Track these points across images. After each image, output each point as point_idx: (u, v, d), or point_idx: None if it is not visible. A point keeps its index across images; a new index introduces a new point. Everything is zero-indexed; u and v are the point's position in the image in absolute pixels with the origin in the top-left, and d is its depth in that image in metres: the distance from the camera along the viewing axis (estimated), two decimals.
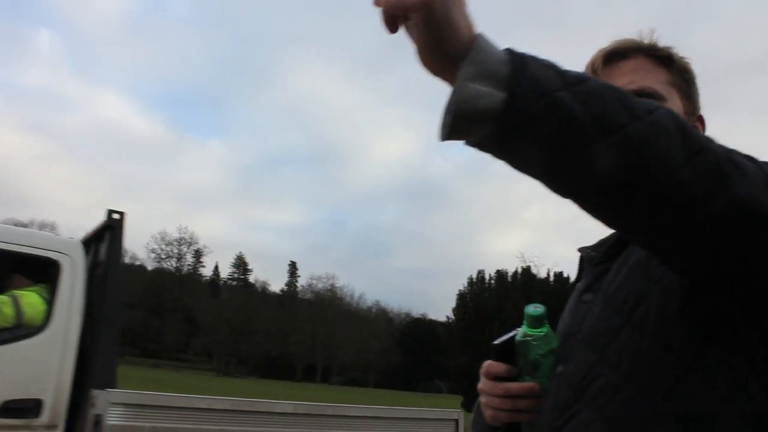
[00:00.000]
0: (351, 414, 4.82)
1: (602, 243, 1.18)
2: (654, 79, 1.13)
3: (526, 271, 36.19)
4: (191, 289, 75.02)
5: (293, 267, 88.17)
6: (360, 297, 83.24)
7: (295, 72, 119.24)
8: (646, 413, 0.90)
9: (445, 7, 0.72)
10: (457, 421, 5.37)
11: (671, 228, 0.79)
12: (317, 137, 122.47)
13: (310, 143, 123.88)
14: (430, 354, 68.05)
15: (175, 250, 78.11)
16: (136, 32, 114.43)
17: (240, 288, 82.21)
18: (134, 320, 64.81)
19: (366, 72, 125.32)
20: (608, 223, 0.85)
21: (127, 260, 73.73)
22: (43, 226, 66.61)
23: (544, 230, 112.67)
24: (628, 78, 1.13)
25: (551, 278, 35.27)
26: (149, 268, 77.90)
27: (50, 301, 4.09)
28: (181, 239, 78.30)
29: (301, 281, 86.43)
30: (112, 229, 4.44)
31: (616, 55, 1.17)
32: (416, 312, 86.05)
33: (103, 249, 4.43)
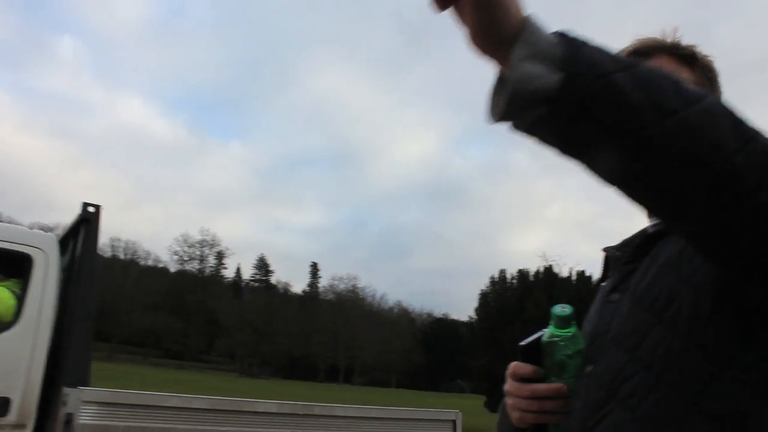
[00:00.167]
0: (340, 414, 4.65)
1: (627, 243, 1.16)
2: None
3: (548, 270, 35.68)
4: (214, 291, 75.52)
5: (315, 268, 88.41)
6: (382, 297, 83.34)
7: (314, 73, 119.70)
8: (680, 412, 0.90)
9: None
10: (454, 422, 5.19)
11: (722, 217, 0.78)
12: (338, 138, 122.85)
13: (330, 144, 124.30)
14: (452, 354, 67.70)
15: (198, 252, 78.85)
16: (157, 37, 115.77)
17: (262, 289, 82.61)
18: (157, 322, 65.35)
19: (385, 73, 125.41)
20: (656, 210, 0.85)
21: (150, 262, 74.58)
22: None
23: (566, 229, 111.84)
24: None
25: (573, 277, 34.66)
26: (172, 270, 78.70)
27: (21, 297, 3.95)
28: (203, 241, 79.01)
29: (323, 282, 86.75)
30: (87, 222, 4.32)
31: (638, 55, 1.15)
32: (438, 312, 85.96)
33: (79, 243, 4.29)
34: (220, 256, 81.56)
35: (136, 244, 75.07)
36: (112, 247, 72.64)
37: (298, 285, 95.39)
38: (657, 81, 0.75)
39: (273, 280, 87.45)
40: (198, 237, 79.82)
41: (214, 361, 74.56)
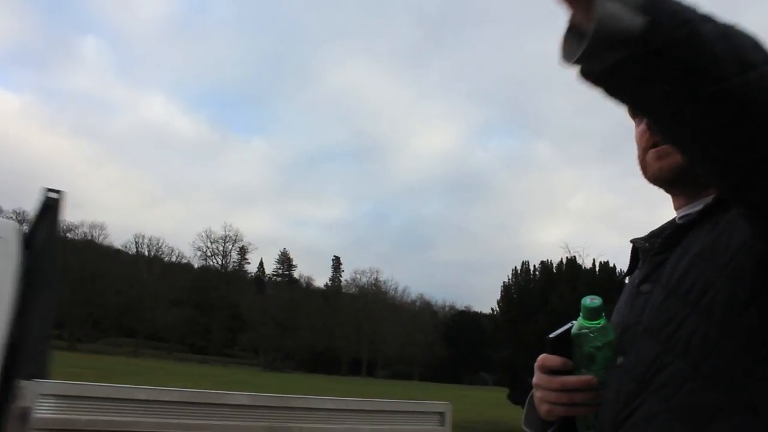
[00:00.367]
0: (318, 407, 4.45)
1: (656, 234, 1.15)
2: None
3: (571, 261, 35.31)
4: (237, 286, 76.04)
5: (337, 262, 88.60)
6: (404, 291, 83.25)
7: (335, 68, 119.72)
8: (716, 402, 0.89)
9: None
10: (442, 414, 4.96)
11: None
12: (359, 132, 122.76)
13: (351, 138, 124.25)
14: (475, 346, 67.45)
15: (221, 248, 79.45)
16: (178, 34, 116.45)
17: (285, 284, 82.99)
18: (181, 318, 65.98)
19: (405, 66, 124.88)
20: (723, 173, 0.82)
21: (173, 258, 75.30)
22: (93, 227, 68.20)
23: (589, 220, 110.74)
24: None
25: (597, 268, 34.31)
26: (195, 266, 79.40)
27: None
28: (226, 237, 79.56)
29: (345, 276, 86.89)
30: (49, 209, 4.13)
31: None
32: (460, 305, 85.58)
33: (42, 231, 4.13)
34: (243, 251, 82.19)
35: (160, 241, 75.86)
36: (137, 243, 73.55)
37: (321, 279, 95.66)
38: (737, 34, 0.74)
39: (296, 274, 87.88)
40: (221, 233, 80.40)
41: (238, 355, 75.14)
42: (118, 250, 71.99)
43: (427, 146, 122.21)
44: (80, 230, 69.60)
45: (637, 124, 1.14)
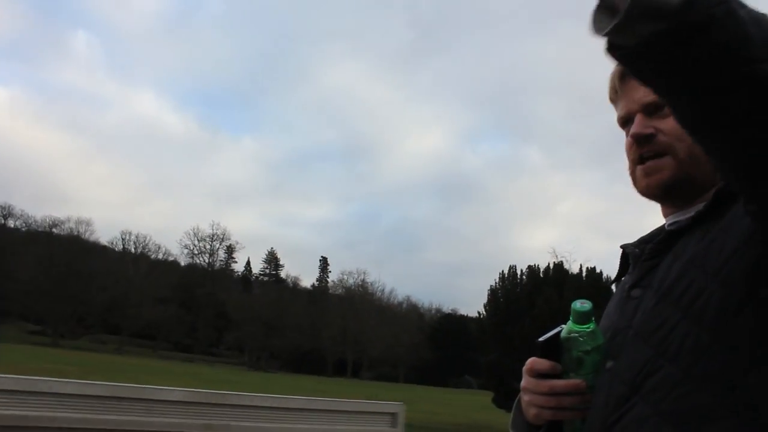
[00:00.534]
0: (257, 404, 4.29)
1: (646, 240, 1.16)
2: None
3: (559, 266, 35.46)
4: (223, 285, 75.73)
5: (324, 262, 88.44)
6: (391, 292, 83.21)
7: (326, 68, 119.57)
8: (706, 406, 0.89)
9: None
10: (394, 414, 4.82)
11: None
12: (349, 133, 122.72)
13: (342, 139, 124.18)
14: (460, 349, 67.59)
15: (208, 246, 79.00)
16: (169, 31, 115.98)
17: (271, 283, 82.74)
18: (167, 315, 65.62)
19: (398, 67, 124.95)
20: (740, 159, 0.82)
21: (160, 256, 74.89)
22: (79, 222, 67.75)
23: (576, 226, 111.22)
24: (645, 89, 1.07)
25: (584, 274, 34.45)
26: (182, 263, 78.98)
27: None
28: (213, 235, 79.14)
29: (332, 276, 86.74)
30: None
31: None
32: (447, 307, 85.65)
33: None
34: (230, 249, 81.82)
35: (147, 238, 75.41)
36: (123, 240, 73.10)
37: (308, 279, 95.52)
38: (766, 20, 0.75)
39: (282, 274, 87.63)
40: (208, 231, 79.93)
41: (223, 354, 74.85)
42: (104, 247, 71.57)
43: (417, 148, 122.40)
44: (66, 225, 69.16)
45: (627, 134, 1.14)
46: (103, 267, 64.02)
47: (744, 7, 0.74)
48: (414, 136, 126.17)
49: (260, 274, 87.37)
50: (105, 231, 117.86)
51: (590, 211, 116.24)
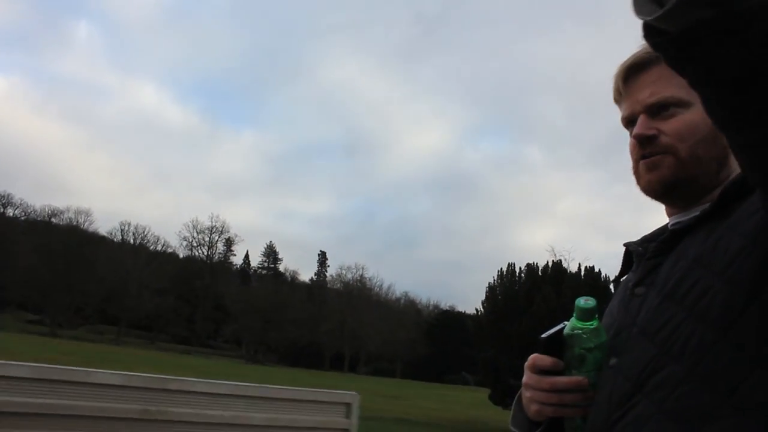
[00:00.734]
0: (203, 390, 4.05)
1: (649, 239, 1.16)
2: (677, 85, 1.07)
3: (557, 265, 35.49)
4: (222, 278, 75.74)
5: (323, 257, 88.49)
6: (389, 288, 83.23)
7: (328, 63, 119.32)
8: (709, 405, 0.89)
9: None
10: (348, 405, 4.61)
11: None
12: (350, 128, 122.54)
13: (342, 134, 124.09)
14: (457, 346, 67.64)
15: (207, 239, 78.94)
16: (171, 23, 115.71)
17: (270, 277, 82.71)
18: (165, 307, 65.66)
19: (400, 63, 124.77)
20: None
21: (159, 248, 74.90)
22: (78, 212, 67.72)
23: (575, 224, 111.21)
24: (649, 90, 1.12)
25: (582, 273, 34.48)
26: (181, 255, 78.98)
27: None
28: (212, 227, 79.10)
29: (331, 271, 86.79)
30: None
31: (635, 69, 1.15)
32: (445, 304, 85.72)
33: None
34: (229, 242, 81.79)
35: (146, 229, 75.38)
36: (122, 231, 73.08)
37: (306, 273, 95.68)
38: None
39: (281, 267, 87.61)
40: (207, 223, 80.00)
41: (221, 347, 74.91)
42: (103, 237, 71.50)
43: (417, 144, 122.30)
44: (65, 215, 69.10)
45: (630, 135, 1.16)
46: (102, 257, 63.98)
47: None
48: (414, 133, 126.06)
49: (259, 268, 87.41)
50: (104, 221, 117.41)
51: (589, 211, 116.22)
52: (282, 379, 32.63)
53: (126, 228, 73.29)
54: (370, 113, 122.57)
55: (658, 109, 1.11)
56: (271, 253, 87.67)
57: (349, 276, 79.47)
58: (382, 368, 72.19)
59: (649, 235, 1.18)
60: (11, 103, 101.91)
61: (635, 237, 1.21)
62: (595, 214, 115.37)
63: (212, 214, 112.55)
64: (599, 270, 30.43)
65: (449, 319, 76.40)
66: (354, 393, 4.70)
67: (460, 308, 79.03)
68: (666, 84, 1.10)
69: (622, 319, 1.07)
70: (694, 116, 1.08)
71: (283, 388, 4.64)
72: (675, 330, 0.96)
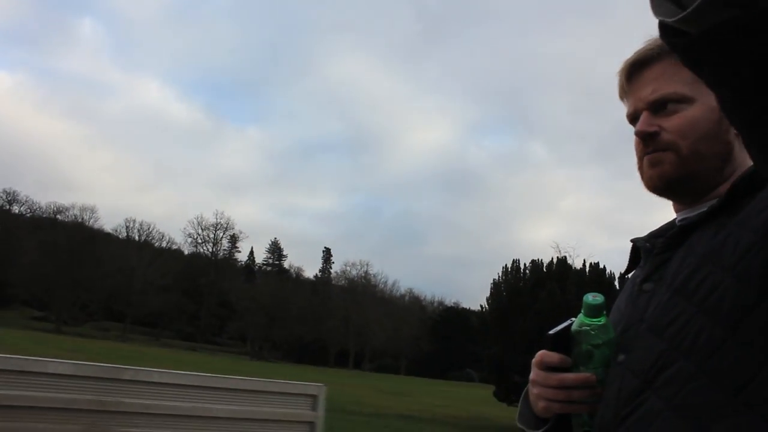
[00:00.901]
0: (157, 380, 3.91)
1: (657, 234, 1.16)
2: (679, 81, 1.10)
3: (562, 261, 35.39)
4: (226, 274, 75.88)
5: (327, 253, 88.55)
6: (393, 284, 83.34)
7: (333, 59, 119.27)
8: (719, 401, 0.89)
9: None
10: (314, 396, 4.46)
11: None
12: (354, 125, 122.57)
13: (347, 130, 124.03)
14: (462, 342, 67.66)
15: (211, 235, 79.17)
16: (175, 20, 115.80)
17: (274, 273, 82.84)
18: (170, 304, 65.77)
19: (404, 60, 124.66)
20: None
21: (164, 244, 75.07)
22: (83, 209, 67.88)
23: (580, 221, 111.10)
24: (651, 87, 1.12)
25: (587, 269, 34.41)
26: (186, 252, 79.15)
27: None
28: (217, 224, 79.29)
29: (335, 268, 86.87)
30: None
31: (638, 66, 1.15)
32: (449, 300, 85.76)
33: None
34: (233, 239, 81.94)
35: (151, 226, 75.60)
36: (127, 228, 73.25)
37: (311, 270, 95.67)
38: None
39: (285, 264, 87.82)
40: (212, 220, 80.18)
41: (226, 343, 75.03)
42: (108, 234, 71.73)
43: (422, 141, 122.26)
44: (71, 212, 69.36)
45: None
46: (107, 254, 64.15)
47: None
48: (419, 129, 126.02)
49: (263, 264, 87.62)
50: (109, 218, 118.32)
51: (594, 207, 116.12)
52: (287, 377, 32.66)
53: (131, 225, 73.57)
54: (374, 110, 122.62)
55: (660, 106, 1.11)
56: (275, 250, 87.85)
57: (354, 272, 79.64)
58: (386, 365, 72.26)
59: (656, 230, 1.18)
60: (16, 100, 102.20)
61: (640, 233, 1.20)
62: (599, 210, 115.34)
63: (217, 210, 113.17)
64: (604, 266, 30.36)
65: (454, 316, 76.40)
66: (320, 385, 4.55)
67: (465, 305, 79.20)
68: (668, 80, 1.10)
69: (630, 315, 1.06)
70: (696, 112, 1.08)
71: (246, 379, 4.49)
72: (685, 326, 0.95)
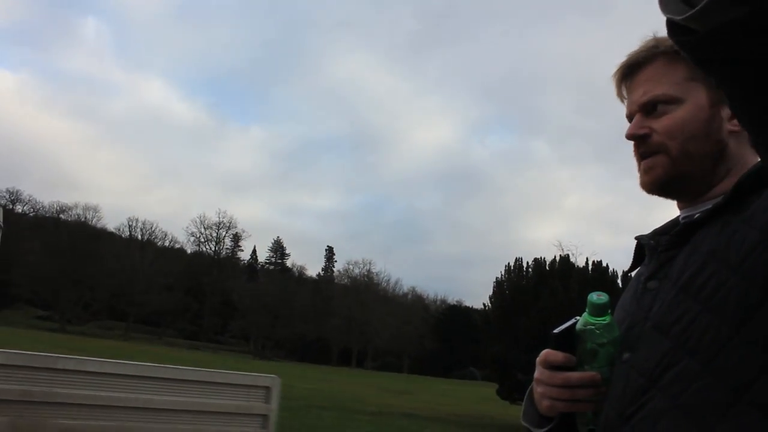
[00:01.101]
0: (91, 370, 3.75)
1: (661, 232, 1.16)
2: (669, 82, 1.11)
3: (564, 259, 35.36)
4: (229, 273, 75.91)
5: (330, 252, 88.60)
6: (396, 283, 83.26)
7: (335, 58, 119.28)
8: (724, 400, 0.89)
9: None
10: (268, 388, 4.33)
11: None
12: (357, 123, 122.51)
13: (350, 129, 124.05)
14: (465, 341, 67.60)
15: (214, 234, 79.28)
16: (178, 19, 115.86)
17: (277, 272, 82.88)
18: (173, 302, 65.84)
19: (406, 58, 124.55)
20: None
21: (167, 243, 75.15)
22: (86, 208, 67.97)
23: (583, 220, 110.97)
24: (642, 89, 1.13)
25: (590, 267, 34.41)
26: (188, 251, 79.26)
27: None
28: (220, 223, 79.41)
29: (338, 266, 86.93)
30: None
31: (631, 68, 1.16)
32: (452, 299, 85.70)
33: None
34: (236, 238, 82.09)
35: (154, 225, 75.72)
36: (130, 227, 73.34)
37: (313, 269, 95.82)
38: None
39: (288, 263, 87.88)
40: (215, 219, 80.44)
41: (229, 342, 75.11)
42: (111, 233, 71.83)
43: (424, 139, 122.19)
44: (74, 212, 69.44)
45: None
46: (110, 253, 64.24)
47: None
48: (422, 128, 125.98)
49: (266, 263, 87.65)
50: (112, 217, 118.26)
51: (597, 206, 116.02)
52: (289, 376, 32.69)
53: (134, 224, 73.68)
54: (377, 108, 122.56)
55: (651, 108, 1.12)
56: (278, 249, 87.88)
57: (357, 271, 79.65)
58: (389, 363, 72.28)
59: (660, 228, 1.17)
60: (20, 99, 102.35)
61: (643, 231, 1.20)
62: (602, 208, 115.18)
63: (220, 209, 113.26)
64: (607, 264, 30.32)
65: (456, 314, 76.35)
66: (274, 376, 4.40)
67: (468, 303, 79.14)
68: (658, 82, 1.11)
69: (635, 313, 1.06)
70: (684, 113, 1.09)
71: (195, 369, 4.31)
72: (690, 324, 0.94)
